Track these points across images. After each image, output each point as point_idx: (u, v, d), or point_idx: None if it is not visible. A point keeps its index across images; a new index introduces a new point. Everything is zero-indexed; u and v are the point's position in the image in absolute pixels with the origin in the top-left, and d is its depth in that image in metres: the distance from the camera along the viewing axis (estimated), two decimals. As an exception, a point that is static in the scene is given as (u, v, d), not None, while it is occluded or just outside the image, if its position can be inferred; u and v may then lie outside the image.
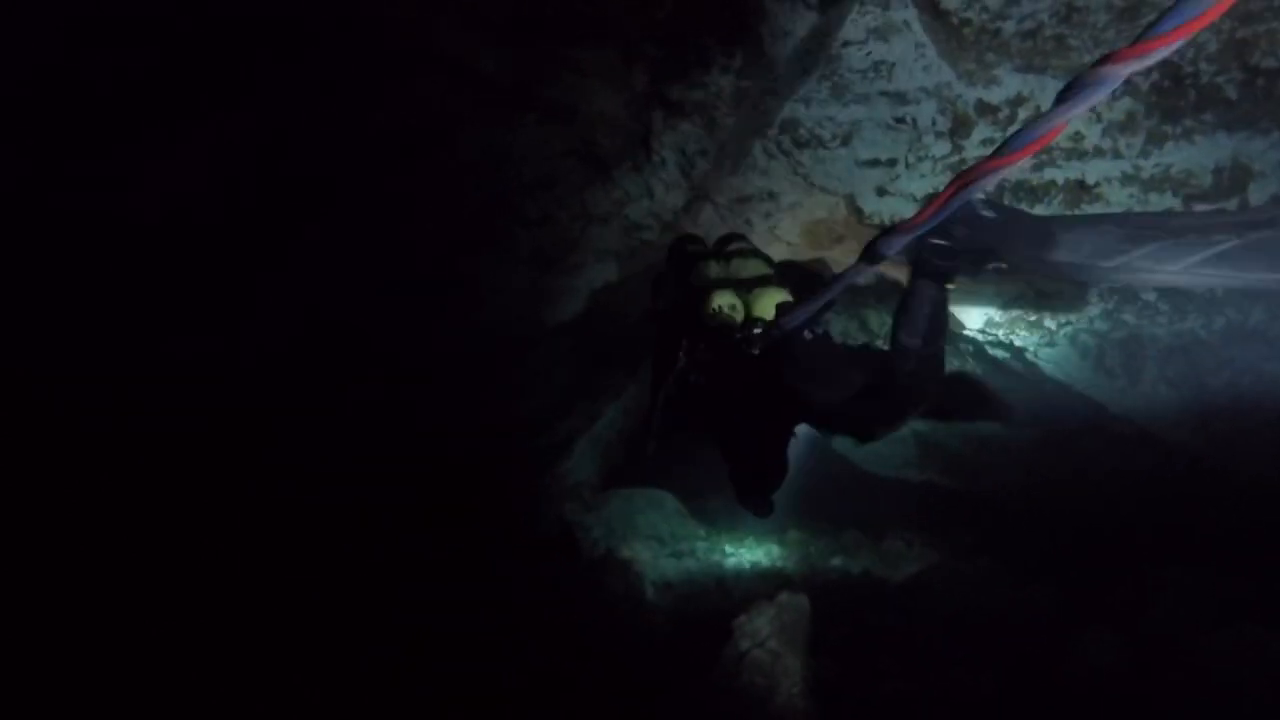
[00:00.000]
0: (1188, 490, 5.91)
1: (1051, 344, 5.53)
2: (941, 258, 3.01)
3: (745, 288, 3.51)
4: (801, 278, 3.55)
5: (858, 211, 4.73)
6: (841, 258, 5.37)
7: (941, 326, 3.19)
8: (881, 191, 4.47)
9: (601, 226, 6.08)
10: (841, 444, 10.51)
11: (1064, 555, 6.23)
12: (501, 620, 5.86)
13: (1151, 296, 4.91)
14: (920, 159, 4.15)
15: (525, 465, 8.58)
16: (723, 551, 9.55)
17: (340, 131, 4.66)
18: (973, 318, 5.20)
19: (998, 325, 5.28)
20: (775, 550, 9.75)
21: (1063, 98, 1.51)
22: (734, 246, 3.87)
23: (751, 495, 3.54)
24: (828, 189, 4.65)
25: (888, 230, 2.29)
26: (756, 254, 3.65)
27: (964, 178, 1.77)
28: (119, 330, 4.41)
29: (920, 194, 4.39)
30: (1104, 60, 1.39)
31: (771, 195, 4.88)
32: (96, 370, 4.39)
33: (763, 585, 8.03)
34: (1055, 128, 1.57)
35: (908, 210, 4.64)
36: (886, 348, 3.14)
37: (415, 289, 5.91)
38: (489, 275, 6.15)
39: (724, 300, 3.38)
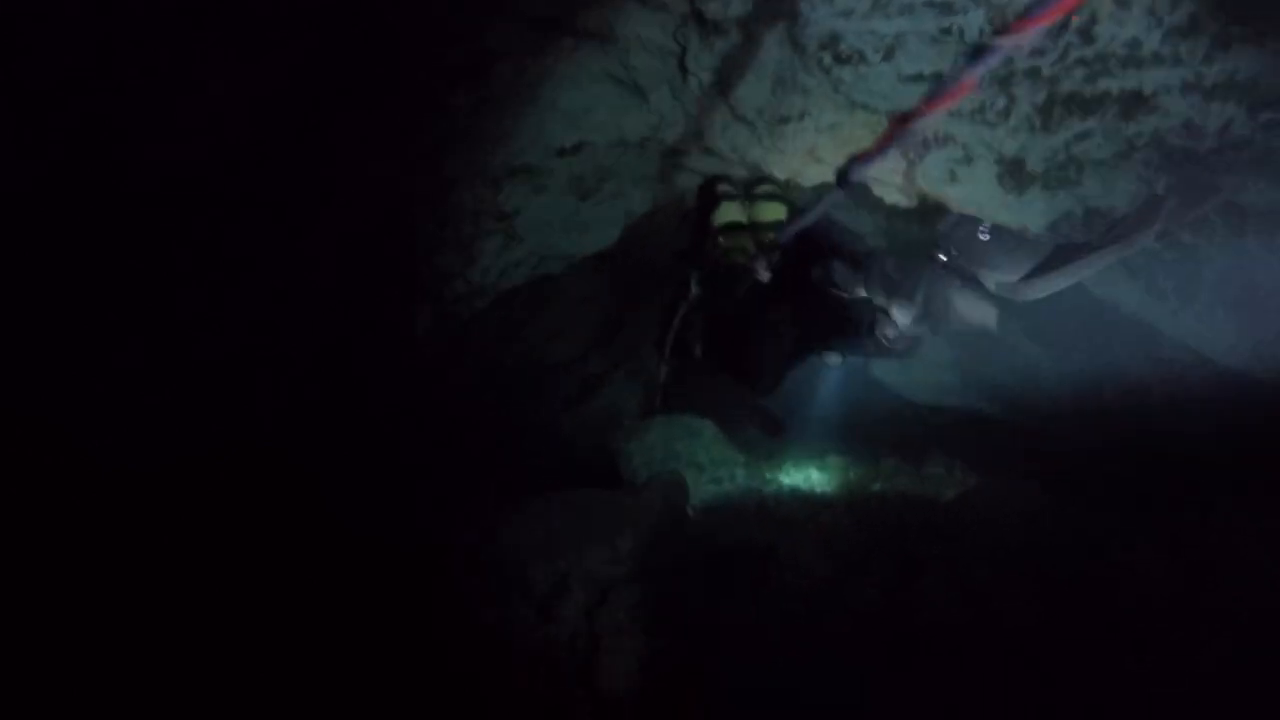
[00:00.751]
0: (1243, 416, 5.78)
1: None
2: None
3: (761, 230, 3.79)
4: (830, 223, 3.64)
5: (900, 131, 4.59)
6: (884, 177, 5.23)
7: (939, 314, 3.71)
8: (926, 108, 4.32)
9: (638, 152, 6.00)
10: (881, 370, 10.46)
11: (1113, 481, 6.15)
12: (543, 545, 5.97)
13: (1211, 213, 4.72)
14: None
15: (566, 397, 8.68)
16: (762, 477, 9.62)
17: (367, 68, 4.60)
18: (1019, 238, 5.05)
19: (1046, 245, 5.12)
20: (814, 475, 9.79)
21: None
22: (761, 190, 4.00)
23: (750, 409, 3.79)
24: (869, 106, 4.50)
25: (854, 158, 2.69)
26: (781, 199, 4.02)
27: (904, 118, 2.15)
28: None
29: (966, 109, 4.23)
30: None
31: (810, 115, 4.74)
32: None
33: (803, 509, 8.10)
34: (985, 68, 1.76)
35: (953, 128, 4.49)
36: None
37: (450, 224, 5.90)
38: (525, 208, 6.12)
39: (737, 242, 3.59)
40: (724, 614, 4.45)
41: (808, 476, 9.66)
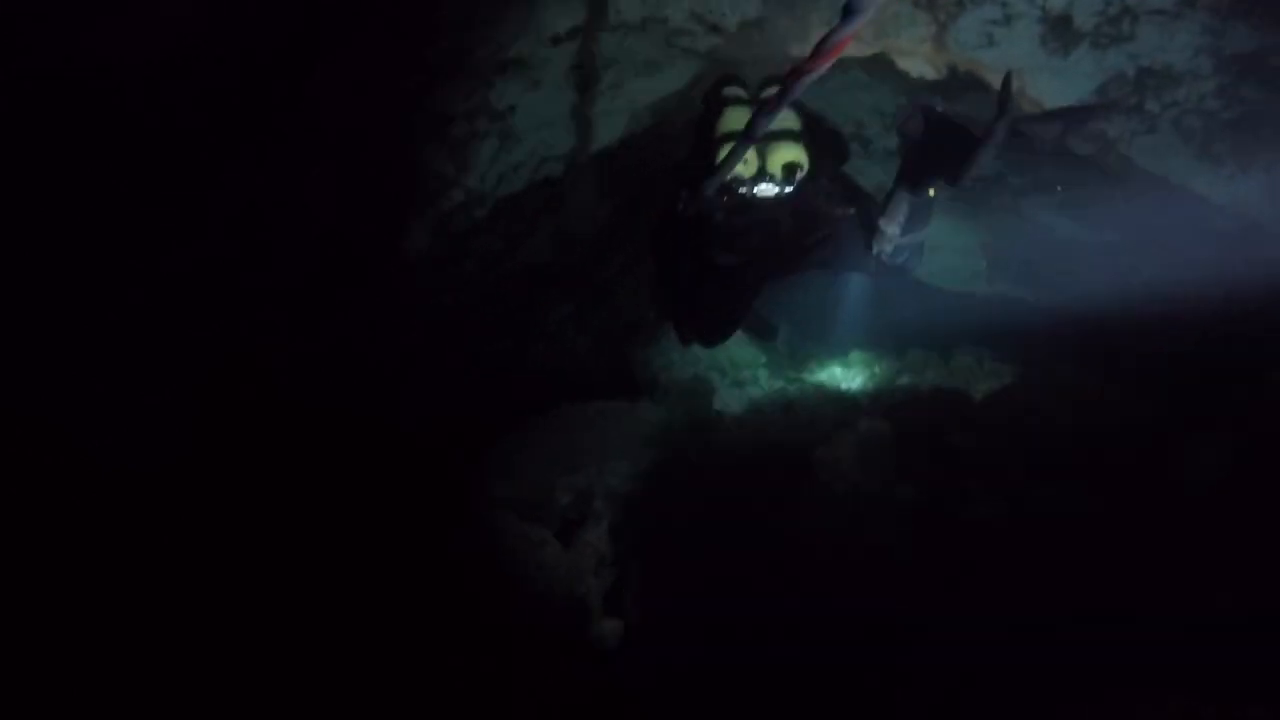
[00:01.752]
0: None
1: (1151, 130, 4.90)
2: (920, 166, 3.41)
3: (765, 139, 3.52)
4: (829, 137, 3.74)
5: (932, -13, 4.11)
6: (909, 45, 4.74)
7: (922, 221, 3.61)
8: (961, -42, 3.83)
9: (639, 35, 5.49)
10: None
11: (1158, 363, 5.82)
12: (565, 461, 5.79)
13: None
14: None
15: (578, 305, 8.36)
16: (786, 377, 9.37)
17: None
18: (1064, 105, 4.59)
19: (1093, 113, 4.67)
20: (839, 372, 9.53)
21: None
22: (771, 92, 3.70)
23: (696, 330, 3.87)
24: (896, -37, 4.02)
25: (756, 112, 2.72)
26: (796, 105, 3.66)
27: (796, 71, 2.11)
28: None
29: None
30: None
31: (829, -22, 4.25)
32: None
33: (830, 408, 7.87)
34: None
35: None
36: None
37: (442, 125, 5.47)
38: (520, 105, 5.66)
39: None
40: (753, 522, 4.25)
41: (832, 374, 9.40)
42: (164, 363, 4.73)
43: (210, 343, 5.03)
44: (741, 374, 8.88)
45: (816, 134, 3.73)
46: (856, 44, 4.86)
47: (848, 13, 1.74)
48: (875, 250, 3.63)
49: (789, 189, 3.57)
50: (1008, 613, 3.61)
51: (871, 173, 8.24)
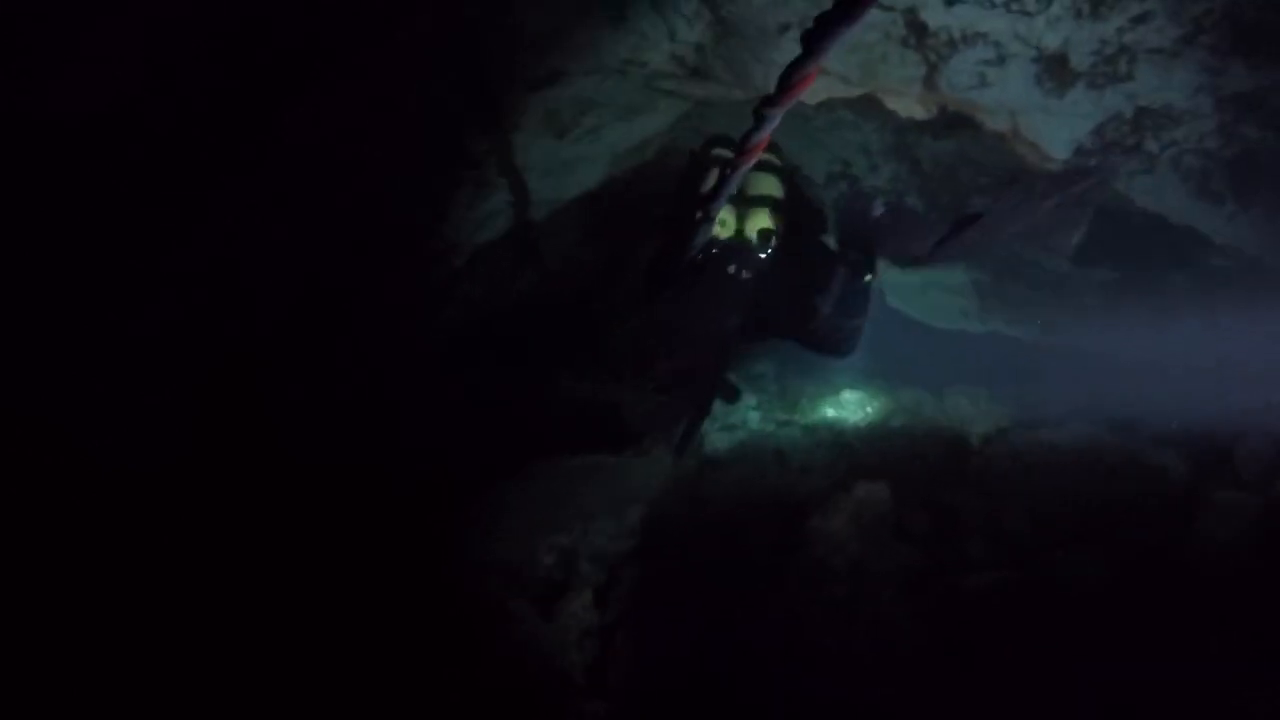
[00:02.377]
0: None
1: (1150, 169, 4.75)
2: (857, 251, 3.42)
3: (746, 204, 3.65)
4: (809, 206, 3.77)
5: (920, 28, 3.93)
6: (898, 86, 4.58)
7: (858, 307, 3.56)
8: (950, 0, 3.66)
9: (619, 80, 5.32)
10: (896, 298, 9.88)
11: (1167, 409, 5.60)
12: (548, 519, 5.52)
13: (1282, 100, 4.09)
14: (1003, -50, 3.33)
15: (562, 350, 8.14)
16: (775, 420, 9.13)
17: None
18: (1059, 147, 4.42)
19: (1090, 153, 4.50)
20: (831, 414, 9.30)
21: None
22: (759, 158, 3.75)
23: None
24: (883, 3, 3.84)
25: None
26: (777, 170, 3.82)
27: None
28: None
29: (1000, -2, 3.57)
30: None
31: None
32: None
33: (824, 455, 7.62)
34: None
35: (983, 22, 3.82)
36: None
37: (416, 181, 5.27)
38: (499, 152, 5.47)
39: (720, 216, 3.46)
40: (746, 594, 3.98)
41: (824, 415, 9.16)
42: (164, 363, 4.72)
43: (209, 345, 5.01)
44: (730, 417, 8.63)
45: (797, 201, 3.77)
46: (844, 85, 4.70)
47: (806, 50, 1.70)
48: (810, 327, 3.62)
49: (762, 255, 3.58)
50: (1019, 696, 3.35)
51: (859, 212, 8.09)
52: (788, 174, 3.84)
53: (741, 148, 2.30)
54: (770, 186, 3.72)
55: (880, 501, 4.15)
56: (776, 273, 3.59)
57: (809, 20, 3.23)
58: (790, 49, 4.16)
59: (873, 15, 4.08)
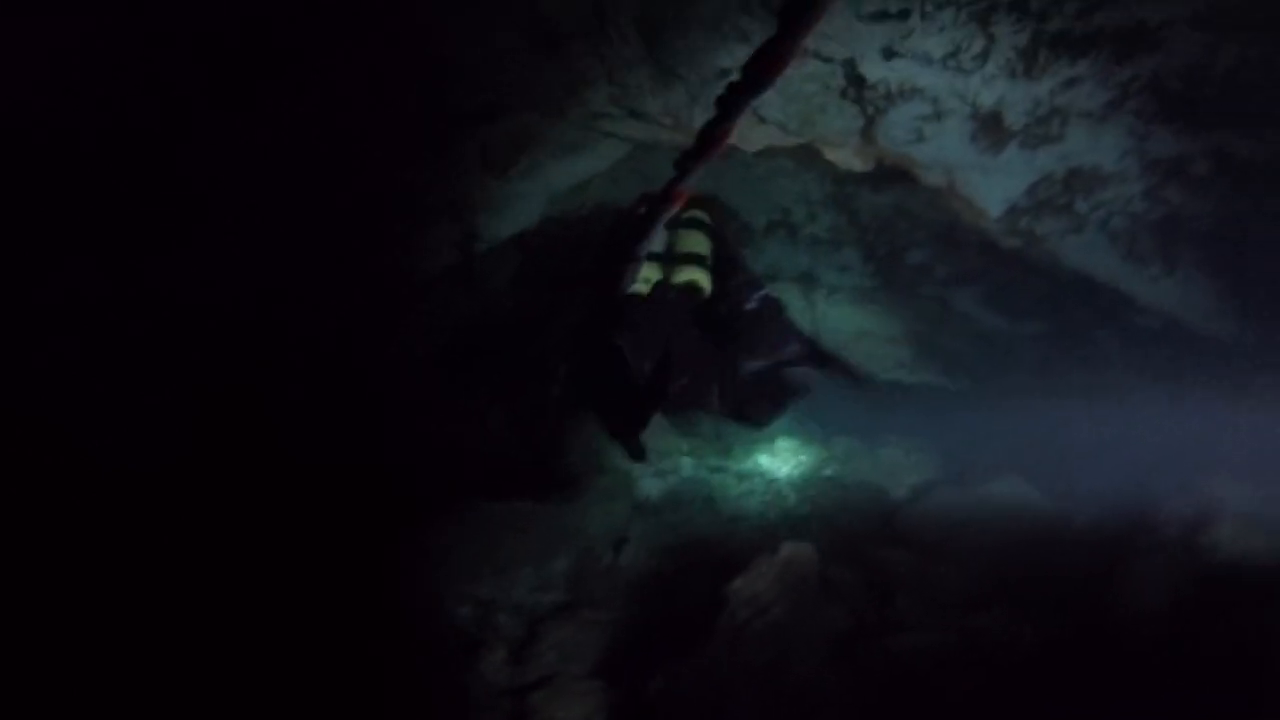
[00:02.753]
0: (1230, 389, 5.31)
1: (1079, 230, 4.81)
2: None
3: (673, 260, 3.59)
4: (731, 261, 3.69)
5: (858, 80, 3.91)
6: (837, 137, 4.56)
7: (775, 386, 3.50)
8: (889, 53, 3.64)
9: (556, 119, 5.21)
10: (830, 346, 9.90)
11: (1093, 467, 5.64)
12: (466, 571, 5.27)
13: (1203, 169, 4.18)
14: (940, 7, 3.31)
15: (497, 390, 7.90)
16: (708, 465, 9.01)
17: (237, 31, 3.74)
18: (994, 205, 4.44)
19: (1022, 213, 4.54)
20: (764, 461, 9.22)
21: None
22: (687, 214, 3.90)
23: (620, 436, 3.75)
24: (822, 54, 3.81)
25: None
26: (703, 227, 3.77)
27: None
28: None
29: (937, 53, 3.57)
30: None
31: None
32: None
33: (755, 504, 7.52)
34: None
35: (920, 77, 3.82)
36: None
37: (346, 213, 5.05)
38: (432, 187, 5.30)
39: (644, 273, 3.43)
40: (673, 656, 3.79)
41: (756, 463, 9.07)
42: (164, 364, 4.77)
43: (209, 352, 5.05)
44: (664, 463, 8.48)
45: (723, 260, 3.71)
46: (783, 134, 4.67)
47: (720, 112, 1.76)
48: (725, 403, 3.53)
49: (686, 313, 3.49)
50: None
51: (796, 259, 8.12)
52: (716, 232, 3.78)
53: (662, 196, 2.33)
54: (698, 244, 3.66)
55: (806, 561, 4.03)
56: (695, 335, 3.49)
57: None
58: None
59: (812, 66, 4.06)
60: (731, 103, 1.75)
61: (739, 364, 3.40)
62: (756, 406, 3.63)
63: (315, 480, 5.81)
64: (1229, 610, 3.73)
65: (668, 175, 4.23)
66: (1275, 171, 4.11)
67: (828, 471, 8.56)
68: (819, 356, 3.46)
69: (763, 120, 4.49)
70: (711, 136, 1.87)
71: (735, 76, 1.77)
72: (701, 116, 4.63)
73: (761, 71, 1.70)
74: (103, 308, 4.25)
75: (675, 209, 2.41)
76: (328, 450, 6.23)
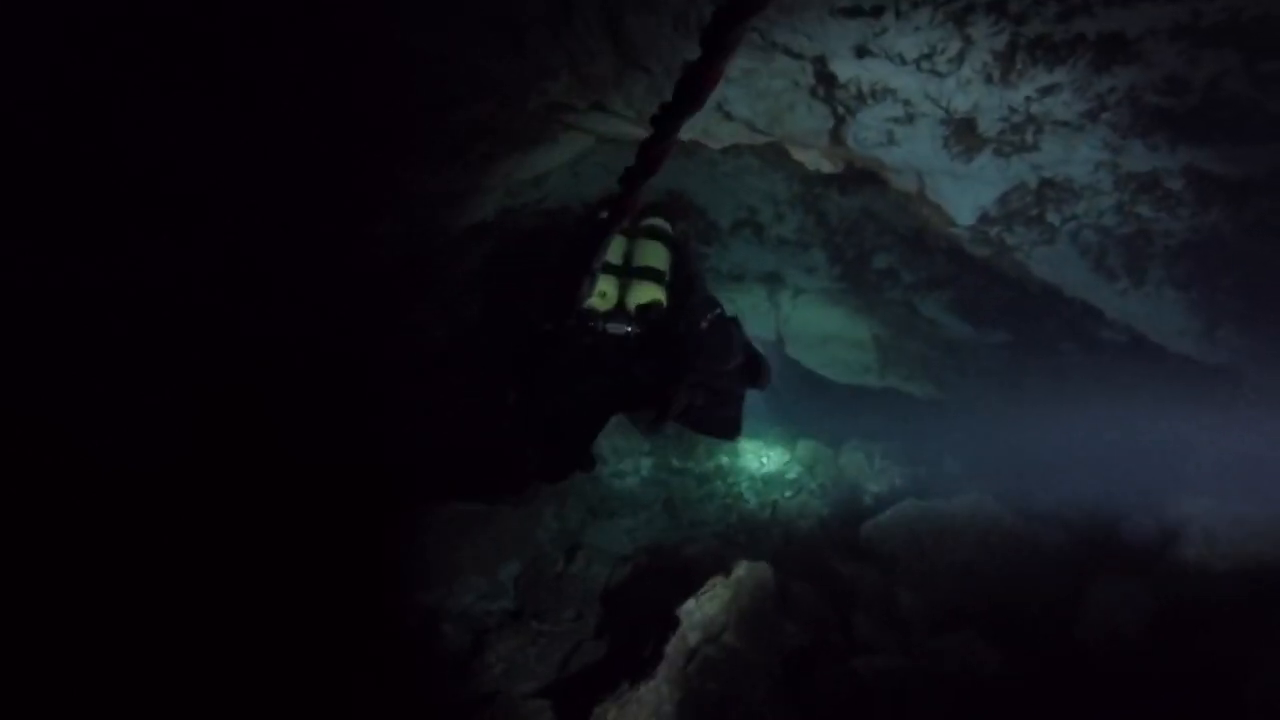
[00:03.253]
0: (1196, 405, 5.24)
1: (1050, 241, 4.70)
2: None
3: (629, 274, 3.58)
4: (689, 276, 3.68)
5: (829, 79, 3.75)
6: (805, 137, 4.40)
7: (729, 399, 3.56)
8: (861, 51, 3.47)
9: (516, 108, 4.98)
10: (795, 349, 9.78)
11: (1057, 479, 5.55)
12: (409, 575, 5.06)
13: (1177, 185, 4.07)
14: (916, 5, 3.15)
15: (450, 385, 7.66)
16: (669, 467, 8.86)
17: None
18: (964, 213, 4.31)
19: (992, 222, 4.41)
20: (725, 463, 9.09)
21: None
22: (647, 223, 3.94)
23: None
24: (792, 50, 3.63)
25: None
26: (665, 238, 3.76)
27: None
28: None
29: (911, 54, 3.41)
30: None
31: (721, 60, 3.84)
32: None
33: (715, 509, 7.37)
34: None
35: (893, 78, 3.66)
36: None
37: (296, 201, 4.79)
38: (383, 177, 5.05)
39: (599, 286, 3.44)
40: (624, 678, 3.62)
41: (719, 465, 8.94)
42: (164, 363, 4.76)
43: (208, 350, 5.02)
44: (622, 464, 8.31)
45: (684, 273, 3.70)
46: (750, 132, 4.50)
47: (658, 130, 1.79)
48: (688, 416, 3.55)
49: (640, 330, 3.50)
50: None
51: (763, 259, 7.97)
52: (678, 244, 3.75)
53: (612, 213, 2.27)
54: (657, 258, 3.63)
55: (762, 582, 3.87)
56: (652, 351, 3.47)
57: None
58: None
59: (781, 62, 3.88)
60: (665, 122, 1.77)
61: (694, 380, 3.35)
62: (720, 422, 3.65)
63: (297, 480, 5.70)
64: (1199, 632, 3.65)
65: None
66: (1249, 188, 4.02)
67: (791, 475, 8.45)
68: (756, 374, 3.48)
69: (729, 117, 4.31)
70: (650, 154, 1.89)
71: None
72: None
73: (690, 92, 1.69)
74: (103, 308, 4.23)
75: (625, 223, 2.40)
76: (309, 449, 6.06)
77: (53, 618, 3.98)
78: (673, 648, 3.55)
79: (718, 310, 3.48)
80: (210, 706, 3.96)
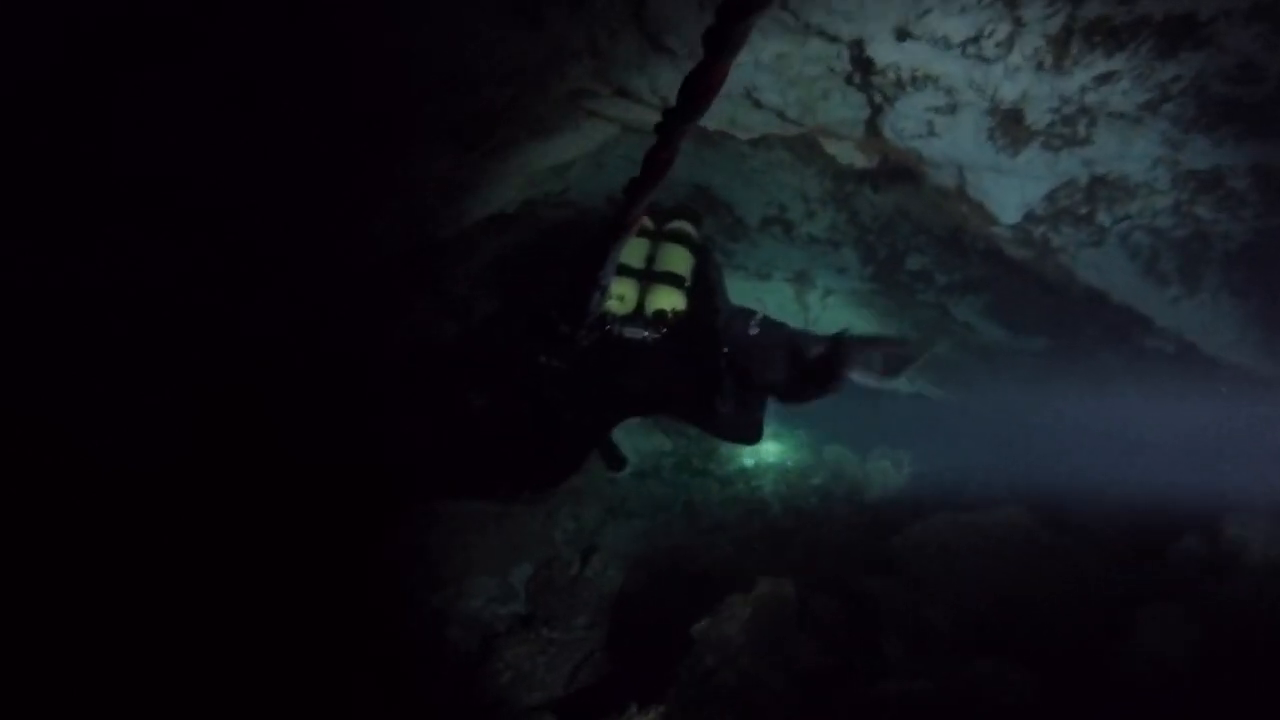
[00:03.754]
0: (1248, 420, 4.93)
1: (1098, 243, 4.42)
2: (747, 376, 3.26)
3: (650, 279, 3.55)
4: (711, 284, 3.65)
5: (866, 64, 3.50)
6: (839, 128, 4.16)
7: (755, 402, 3.48)
8: (902, 34, 3.23)
9: (536, 93, 4.79)
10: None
11: (1100, 497, 5.26)
12: (419, 577, 4.90)
13: (1241, 184, 3.79)
14: (963, -18, 2.91)
15: (477, 383, 7.49)
16: (690, 469, 8.63)
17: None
18: (1008, 211, 4.05)
19: (1038, 221, 4.15)
20: (749, 467, 8.85)
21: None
22: (673, 226, 3.92)
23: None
24: (827, 32, 3.39)
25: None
26: (688, 242, 3.73)
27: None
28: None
29: (956, 37, 3.16)
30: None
31: (750, 43, 3.60)
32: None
33: (737, 513, 7.14)
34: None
35: (935, 64, 3.41)
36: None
37: (297, 198, 4.62)
38: (396, 163, 4.87)
39: (618, 289, 3.46)
40: (634, 699, 3.41)
41: (741, 468, 8.71)
42: (164, 363, 4.73)
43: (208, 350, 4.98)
44: (643, 464, 8.10)
45: (705, 278, 3.66)
46: (781, 122, 4.26)
47: (661, 136, 1.77)
48: (711, 422, 3.55)
49: (657, 335, 3.48)
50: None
51: (792, 258, 7.73)
52: (702, 249, 3.74)
53: (616, 224, 2.23)
54: (679, 262, 3.61)
55: (782, 601, 3.64)
56: (673, 356, 3.44)
57: (751, 37, 2.88)
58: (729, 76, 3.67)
59: (815, 46, 3.64)
60: (669, 129, 1.74)
61: (731, 389, 3.29)
62: (742, 426, 3.55)
63: (299, 480, 5.60)
64: (1254, 665, 3.38)
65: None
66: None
67: (815, 480, 8.20)
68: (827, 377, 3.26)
69: (759, 105, 4.08)
70: (655, 162, 1.85)
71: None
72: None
73: (693, 98, 1.66)
74: (103, 308, 4.16)
75: (629, 236, 2.32)
76: (311, 449, 5.94)
77: (53, 618, 3.95)
78: (686, 669, 3.34)
79: (760, 316, 3.38)
80: (210, 707, 3.88)
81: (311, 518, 5.47)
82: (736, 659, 3.33)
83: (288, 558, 4.74)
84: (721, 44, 1.49)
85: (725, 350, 3.34)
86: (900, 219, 6.36)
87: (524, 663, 4.18)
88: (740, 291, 8.28)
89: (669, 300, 3.49)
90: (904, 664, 3.61)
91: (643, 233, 3.94)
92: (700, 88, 1.61)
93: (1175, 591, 3.70)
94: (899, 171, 4.82)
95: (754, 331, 3.32)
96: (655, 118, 4.77)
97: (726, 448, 9.11)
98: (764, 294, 8.39)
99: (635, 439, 8.50)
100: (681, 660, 3.42)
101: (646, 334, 3.52)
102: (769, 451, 9.09)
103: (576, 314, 3.17)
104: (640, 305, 3.53)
